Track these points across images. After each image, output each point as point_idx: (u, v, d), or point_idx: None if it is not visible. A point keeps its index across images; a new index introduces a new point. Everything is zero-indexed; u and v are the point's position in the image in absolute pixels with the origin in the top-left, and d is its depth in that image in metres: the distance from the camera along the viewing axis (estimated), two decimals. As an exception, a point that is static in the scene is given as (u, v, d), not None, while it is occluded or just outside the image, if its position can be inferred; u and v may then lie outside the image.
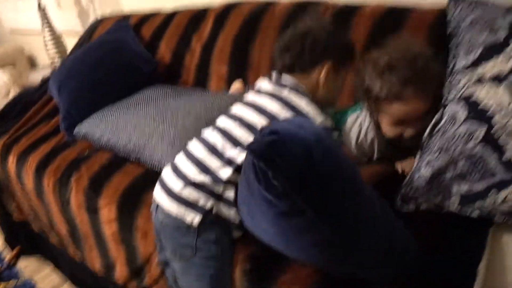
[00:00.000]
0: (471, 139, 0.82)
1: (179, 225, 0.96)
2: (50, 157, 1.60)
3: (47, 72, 2.35)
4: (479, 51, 0.93)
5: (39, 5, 2.62)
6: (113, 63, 1.75)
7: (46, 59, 2.91)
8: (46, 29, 2.69)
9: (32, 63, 3.52)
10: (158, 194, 1.02)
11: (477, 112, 0.85)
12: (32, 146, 1.70)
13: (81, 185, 1.43)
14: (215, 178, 0.93)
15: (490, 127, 0.82)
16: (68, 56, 2.11)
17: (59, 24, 2.82)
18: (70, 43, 2.54)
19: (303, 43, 1.00)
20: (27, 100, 1.99)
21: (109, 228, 1.35)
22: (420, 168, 0.86)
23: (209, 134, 1.01)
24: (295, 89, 0.98)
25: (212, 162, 0.95)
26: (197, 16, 1.87)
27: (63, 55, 2.68)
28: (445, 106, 0.91)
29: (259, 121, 0.94)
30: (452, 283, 0.79)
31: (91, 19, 2.57)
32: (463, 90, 0.90)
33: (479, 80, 0.89)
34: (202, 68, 1.75)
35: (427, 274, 0.82)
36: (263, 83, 1.06)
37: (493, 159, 0.80)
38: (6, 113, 1.97)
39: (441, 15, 1.15)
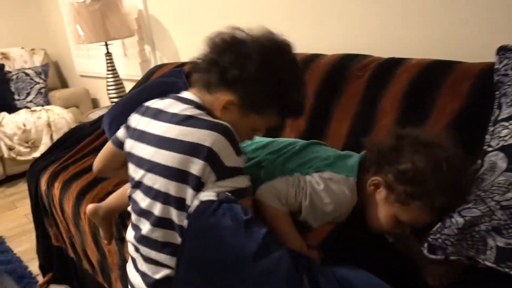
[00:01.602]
0: (510, 189, 0.76)
1: None
2: (91, 186, 1.67)
3: (105, 112, 2.52)
4: (525, 103, 0.89)
5: (107, 52, 2.86)
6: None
7: (107, 102, 3.12)
8: (110, 74, 2.91)
9: (95, 105, 3.79)
10: None
11: (519, 162, 0.79)
12: (77, 175, 1.78)
13: (113, 215, 1.46)
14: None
15: (533, 178, 0.76)
16: (125, 95, 2.25)
17: (122, 71, 3.05)
18: (129, 87, 2.73)
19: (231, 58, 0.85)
20: (81, 133, 2.12)
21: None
22: (453, 216, 0.79)
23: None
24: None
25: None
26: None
27: (122, 98, 2.87)
28: (485, 155, 0.85)
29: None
30: None
31: (151, 67, 2.76)
32: (505, 140, 0.85)
33: (523, 131, 0.84)
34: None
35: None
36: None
37: (536, 212, 0.73)
38: (60, 143, 2.10)
39: (488, 67, 1.13)
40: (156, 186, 0.85)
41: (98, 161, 1.13)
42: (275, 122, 0.92)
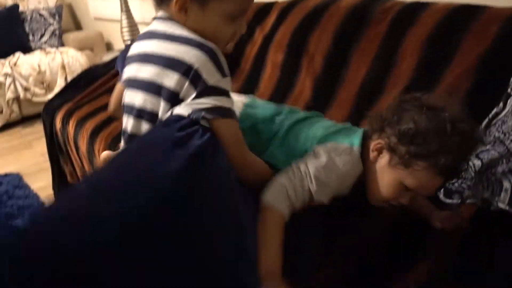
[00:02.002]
0: (532, 131, 0.74)
1: None
2: (105, 124, 1.68)
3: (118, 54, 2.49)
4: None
5: (121, -7, 2.80)
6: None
7: (122, 45, 3.08)
8: (124, 17, 2.86)
9: (109, 48, 3.76)
10: None
11: (543, 105, 0.76)
12: (91, 114, 1.79)
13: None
14: None
15: (557, 122, 0.73)
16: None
17: (136, 14, 2.98)
18: (143, 30, 2.68)
19: None
20: (95, 73, 2.11)
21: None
22: (470, 159, 0.78)
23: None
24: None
25: None
26: (264, 9, 1.89)
27: (136, 41, 2.83)
28: (508, 97, 0.83)
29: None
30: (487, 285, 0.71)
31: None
32: (530, 83, 0.82)
33: (551, 74, 0.80)
34: (259, 57, 1.76)
35: (465, 272, 0.74)
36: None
37: (556, 156, 0.71)
38: (74, 83, 2.10)
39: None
40: (136, 103, 0.84)
41: (111, 101, 1.12)
42: (233, 10, 0.83)
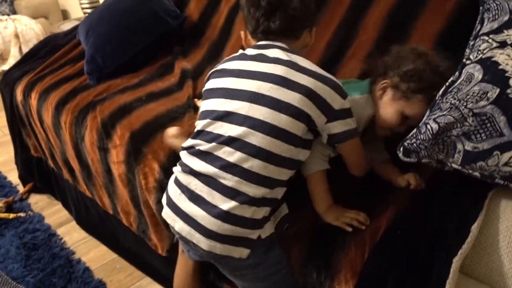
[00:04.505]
0: (483, 98, 0.81)
1: (227, 258, 0.90)
2: (70, 96, 1.65)
3: (78, 24, 2.40)
4: (506, 18, 0.92)
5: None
6: (142, 13, 1.78)
7: (79, 13, 2.97)
8: (82, -17, 2.74)
9: (65, 16, 3.59)
10: (188, 234, 0.90)
11: (493, 74, 0.84)
12: (54, 85, 1.74)
13: (95, 124, 1.47)
14: (251, 201, 0.86)
15: (505, 89, 0.81)
16: (101, 4, 2.15)
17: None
18: (103, -3, 2.59)
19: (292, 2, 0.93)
20: (55, 43, 2.04)
21: (117, 168, 1.39)
22: (428, 123, 0.85)
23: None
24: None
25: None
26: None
27: (95, 9, 2.73)
28: (463, 66, 0.90)
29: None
30: (444, 237, 0.79)
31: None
32: (483, 53, 0.89)
33: (501, 45, 0.88)
34: (226, 28, 1.77)
35: (422, 225, 0.82)
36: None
37: (503, 120, 0.79)
38: (34, 53, 2.03)
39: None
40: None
41: None
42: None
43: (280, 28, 0.93)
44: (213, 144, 0.88)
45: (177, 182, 0.94)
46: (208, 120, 0.91)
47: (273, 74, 0.87)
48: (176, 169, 0.97)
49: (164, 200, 0.99)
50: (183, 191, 0.92)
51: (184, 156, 0.95)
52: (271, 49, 0.92)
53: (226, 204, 0.84)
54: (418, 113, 0.95)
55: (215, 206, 0.86)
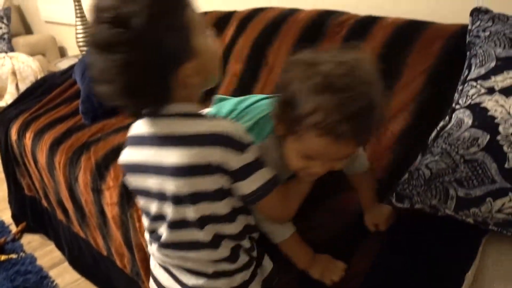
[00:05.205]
0: (474, 144, 0.82)
1: None
2: (64, 136, 1.65)
3: (74, 61, 2.43)
4: (492, 64, 0.94)
5: (75, -3, 2.73)
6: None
7: (76, 51, 3.01)
8: (79, 21, 2.79)
9: (62, 53, 3.64)
10: None
11: (483, 120, 0.85)
12: (49, 125, 1.75)
13: (89, 165, 1.47)
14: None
15: (495, 135, 0.82)
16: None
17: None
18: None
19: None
20: (51, 82, 2.06)
21: (110, 210, 1.38)
22: (420, 168, 0.86)
23: None
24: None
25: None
26: (223, 19, 1.92)
27: (92, 47, 2.77)
28: (453, 111, 0.91)
29: None
30: (439, 285, 0.78)
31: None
32: (472, 98, 0.90)
33: (489, 91, 0.89)
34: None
35: (415, 274, 0.81)
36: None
37: (494, 167, 0.80)
38: (30, 92, 2.05)
39: (460, 29, 1.17)
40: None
41: None
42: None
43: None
44: None
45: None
46: None
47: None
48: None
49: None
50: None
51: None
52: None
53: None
54: (314, 149, 0.70)
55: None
